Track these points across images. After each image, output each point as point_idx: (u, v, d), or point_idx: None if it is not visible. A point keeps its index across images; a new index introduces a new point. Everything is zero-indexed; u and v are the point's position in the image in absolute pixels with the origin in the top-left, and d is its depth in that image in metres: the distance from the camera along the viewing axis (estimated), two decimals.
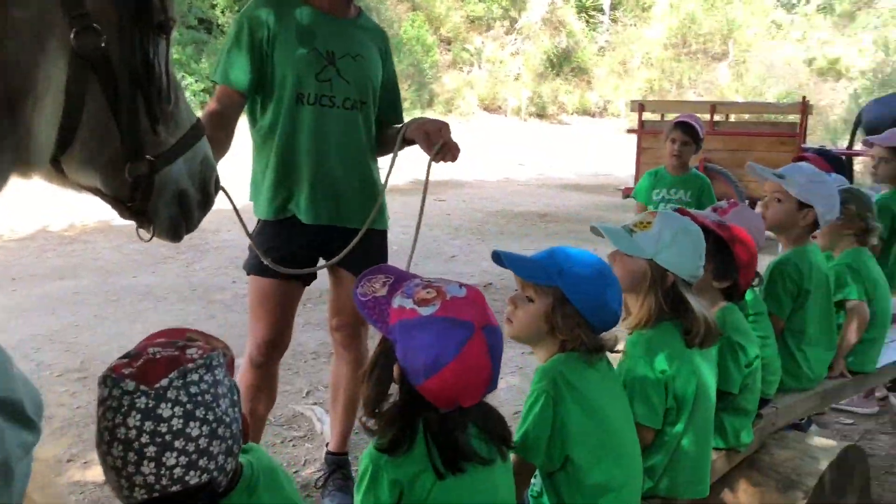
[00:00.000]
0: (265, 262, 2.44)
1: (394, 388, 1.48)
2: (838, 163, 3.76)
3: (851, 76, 19.35)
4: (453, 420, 1.43)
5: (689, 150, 4.40)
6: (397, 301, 1.48)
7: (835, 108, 16.38)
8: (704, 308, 2.09)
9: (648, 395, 1.97)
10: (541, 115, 26.20)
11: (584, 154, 18.18)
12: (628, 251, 2.07)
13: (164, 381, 1.12)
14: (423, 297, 1.45)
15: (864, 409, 3.97)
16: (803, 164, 2.83)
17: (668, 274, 2.04)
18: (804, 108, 7.82)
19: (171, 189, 1.51)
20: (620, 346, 1.99)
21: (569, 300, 1.74)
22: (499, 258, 1.83)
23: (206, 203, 1.64)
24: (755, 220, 2.69)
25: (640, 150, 8.41)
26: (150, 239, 1.57)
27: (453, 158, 2.50)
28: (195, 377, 1.14)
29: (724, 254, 2.29)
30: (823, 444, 2.55)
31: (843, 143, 12.70)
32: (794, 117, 8.14)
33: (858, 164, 10.55)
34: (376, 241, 2.79)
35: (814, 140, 11.80)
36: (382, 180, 2.73)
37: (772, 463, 2.47)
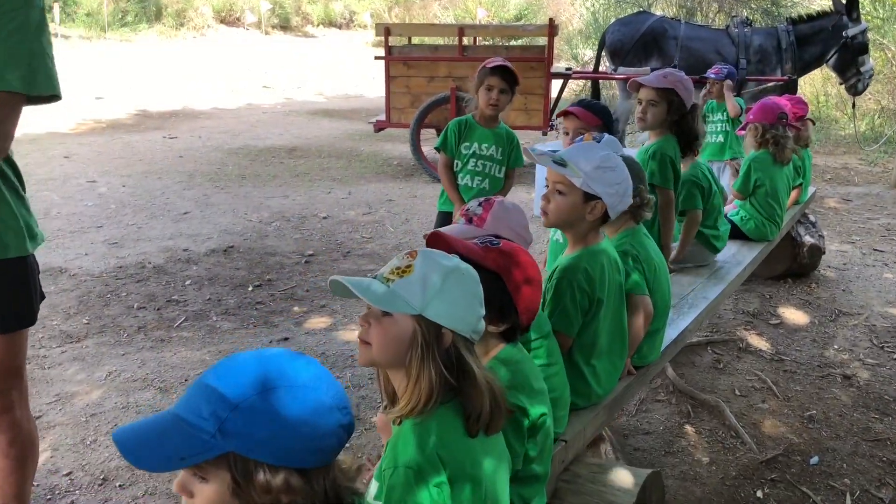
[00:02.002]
0: None
1: None
2: (606, 115, 3.35)
3: None
4: None
5: (507, 99, 3.82)
6: None
7: (573, 21, 16.75)
8: (486, 373, 1.53)
9: None
10: (284, 27, 24.67)
11: (334, 72, 17.22)
12: (390, 307, 1.45)
13: None
14: None
15: None
16: (589, 144, 2.33)
17: (443, 332, 1.46)
18: (551, 29, 7.57)
19: None
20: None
21: (259, 462, 1.08)
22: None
23: None
24: (518, 218, 2.17)
25: (390, 79, 7.77)
26: None
27: None
28: None
29: (498, 288, 1.74)
30: (621, 482, 2.16)
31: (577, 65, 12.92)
32: (542, 39, 7.89)
33: (606, 89, 10.80)
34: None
35: (559, 61, 11.86)
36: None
37: None
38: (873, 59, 8.73)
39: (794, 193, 4.94)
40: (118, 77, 14.20)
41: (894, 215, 7.30)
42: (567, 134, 3.34)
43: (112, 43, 18.92)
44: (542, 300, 2.28)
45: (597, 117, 3.29)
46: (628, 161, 2.61)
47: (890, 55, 12.92)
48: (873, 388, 3.88)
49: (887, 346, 4.37)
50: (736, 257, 4.11)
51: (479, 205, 2.16)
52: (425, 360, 1.45)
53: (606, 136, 2.88)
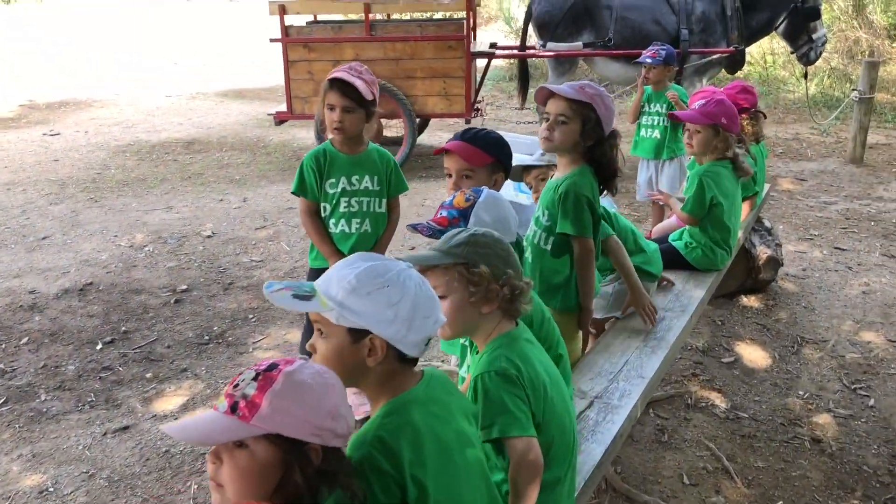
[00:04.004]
0: None
1: None
2: (497, 147, 2.47)
3: None
4: None
5: (355, 119, 3.00)
6: None
7: None
8: None
9: None
10: None
11: (256, 42, 15.91)
12: None
13: None
14: None
15: None
16: (351, 260, 1.52)
17: None
18: (470, 3, 6.64)
19: None
20: None
21: None
22: None
23: None
24: (318, 397, 1.31)
25: (288, 64, 6.79)
26: None
27: None
28: None
29: None
30: None
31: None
32: (461, 14, 6.96)
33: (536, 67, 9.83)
34: None
35: (484, 36, 10.88)
36: None
37: None
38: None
39: (746, 207, 4.18)
40: (10, 58, 12.84)
41: (852, 197, 6.65)
42: (450, 176, 2.50)
43: (15, 15, 17.38)
44: None
45: (486, 153, 2.45)
46: (484, 240, 1.74)
47: (837, 10, 12.27)
48: (848, 455, 3.18)
49: (859, 388, 3.68)
50: (679, 300, 3.33)
51: (255, 376, 1.32)
52: None
53: (486, 192, 2.05)
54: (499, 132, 6.86)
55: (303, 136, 8.53)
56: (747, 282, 4.53)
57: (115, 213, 6.04)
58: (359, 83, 2.94)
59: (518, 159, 3.61)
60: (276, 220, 5.87)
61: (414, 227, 2.01)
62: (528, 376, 1.72)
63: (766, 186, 4.86)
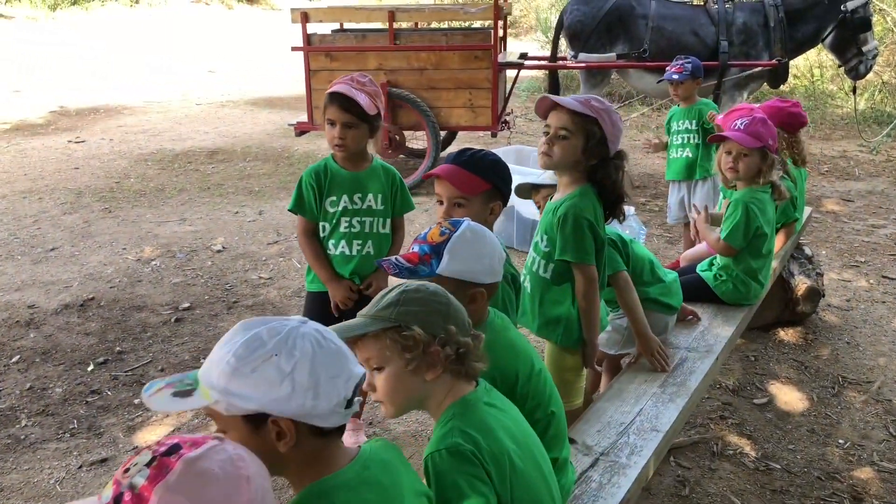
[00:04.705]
0: None
1: None
2: (494, 171, 2.17)
3: None
4: None
5: (358, 135, 2.79)
6: None
7: None
8: None
9: None
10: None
11: (288, 49, 15.89)
12: None
13: None
14: None
15: None
16: (230, 335, 1.29)
17: None
18: (497, 12, 6.36)
19: None
20: None
21: None
22: None
23: None
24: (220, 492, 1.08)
25: (310, 74, 6.59)
26: None
27: None
28: None
29: None
30: None
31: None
32: (489, 23, 6.69)
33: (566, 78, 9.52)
34: None
35: (522, 46, 10.58)
36: None
37: None
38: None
39: (783, 234, 3.84)
40: (49, 65, 12.91)
41: None
42: (441, 203, 2.23)
43: (60, 24, 17.54)
44: None
45: (481, 179, 2.17)
46: (417, 296, 1.46)
47: (891, 21, 11.73)
48: None
49: None
50: (705, 338, 3.01)
51: (150, 461, 1.07)
52: None
53: (465, 224, 1.78)
54: (525, 147, 6.51)
55: (327, 148, 8.34)
56: (785, 314, 4.18)
57: (128, 224, 5.89)
58: (361, 97, 2.71)
59: (532, 178, 3.35)
60: (289, 235, 5.66)
61: (379, 264, 1.75)
62: (489, 450, 1.44)
63: (807, 211, 4.50)
